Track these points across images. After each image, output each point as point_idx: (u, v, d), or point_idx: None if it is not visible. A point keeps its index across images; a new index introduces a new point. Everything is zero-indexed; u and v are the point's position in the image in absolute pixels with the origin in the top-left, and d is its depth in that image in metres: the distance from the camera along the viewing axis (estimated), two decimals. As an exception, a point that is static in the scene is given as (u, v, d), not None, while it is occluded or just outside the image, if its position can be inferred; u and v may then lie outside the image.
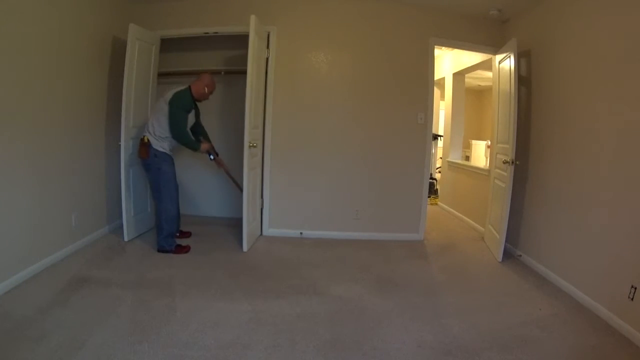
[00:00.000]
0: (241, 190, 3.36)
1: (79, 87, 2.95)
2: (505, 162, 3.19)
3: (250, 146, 3.18)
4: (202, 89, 3.01)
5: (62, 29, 2.71)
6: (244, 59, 4.10)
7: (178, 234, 3.33)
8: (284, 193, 3.68)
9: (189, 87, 2.98)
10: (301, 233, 3.70)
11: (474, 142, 6.16)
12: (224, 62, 4.01)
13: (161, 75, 3.72)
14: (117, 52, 3.42)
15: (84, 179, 3.09)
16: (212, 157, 3.33)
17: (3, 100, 2.21)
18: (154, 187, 3.09)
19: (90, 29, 3.04)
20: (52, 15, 2.59)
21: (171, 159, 3.07)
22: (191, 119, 3.07)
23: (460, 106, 5.28)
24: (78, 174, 3.01)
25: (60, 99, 2.73)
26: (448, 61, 5.32)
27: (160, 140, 2.95)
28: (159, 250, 3.05)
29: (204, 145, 3.13)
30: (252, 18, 3.00)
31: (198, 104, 3.14)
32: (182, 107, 2.89)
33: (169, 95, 2.90)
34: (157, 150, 2.95)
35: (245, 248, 3.21)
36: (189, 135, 3.00)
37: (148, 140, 2.93)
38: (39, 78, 2.51)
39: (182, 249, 3.08)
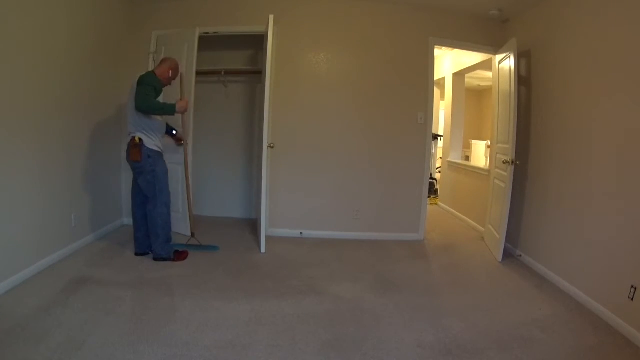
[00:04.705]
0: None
1: (78, 88, 2.94)
2: (505, 162, 3.19)
3: (268, 146, 3.12)
4: (167, 73, 2.80)
5: (62, 28, 2.71)
6: (243, 59, 4.15)
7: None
8: (283, 193, 3.68)
9: (152, 71, 2.79)
10: (301, 233, 3.70)
11: (474, 142, 6.16)
12: (223, 62, 4.01)
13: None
14: (117, 52, 3.43)
15: (84, 179, 3.08)
16: (175, 131, 3.11)
17: (3, 101, 2.21)
18: (149, 192, 2.80)
19: (92, 28, 3.04)
20: (52, 15, 2.59)
21: (163, 157, 2.86)
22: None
23: (460, 106, 5.28)
24: (78, 173, 3.01)
25: (59, 99, 2.73)
26: (448, 61, 5.32)
27: (152, 136, 2.74)
28: (155, 259, 2.84)
29: (180, 103, 2.80)
30: (270, 18, 2.99)
31: None
32: (150, 83, 2.63)
33: (134, 80, 2.69)
34: (150, 150, 2.72)
35: (263, 249, 3.19)
36: (159, 102, 2.69)
37: (140, 140, 2.68)
38: (38, 78, 2.51)
39: (181, 256, 2.92)
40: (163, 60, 2.88)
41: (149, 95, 2.58)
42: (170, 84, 2.87)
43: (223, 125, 4.17)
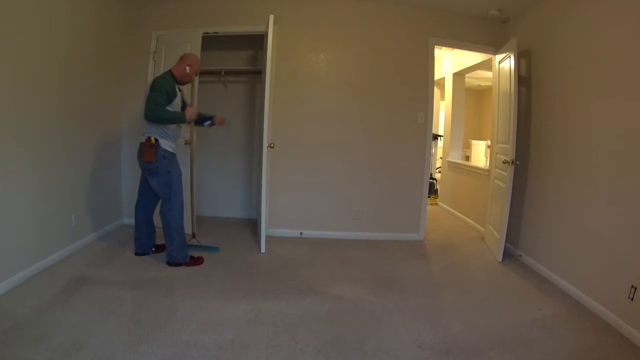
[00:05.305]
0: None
1: (78, 88, 2.94)
2: (505, 162, 3.19)
3: (268, 146, 3.11)
4: (184, 69, 2.71)
5: (62, 28, 2.71)
6: (243, 59, 4.15)
7: (154, 249, 3.00)
8: (284, 193, 3.68)
9: (170, 70, 2.72)
10: (301, 233, 3.70)
11: (474, 142, 6.16)
12: (223, 62, 4.01)
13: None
14: (117, 52, 3.43)
15: (84, 179, 3.09)
16: (207, 123, 3.02)
17: (3, 101, 2.21)
18: (163, 193, 2.72)
19: (92, 28, 3.04)
20: (52, 16, 2.59)
21: (176, 159, 2.78)
22: (177, 106, 2.74)
23: (460, 106, 5.29)
24: (78, 173, 3.00)
25: (60, 99, 2.72)
26: (448, 61, 5.32)
27: (167, 137, 2.67)
28: (169, 264, 2.76)
29: (190, 111, 2.73)
30: (270, 18, 2.99)
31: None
32: (162, 89, 2.55)
33: (149, 81, 2.62)
34: (166, 151, 2.65)
35: (263, 249, 3.19)
36: (168, 111, 2.59)
37: (156, 140, 2.61)
38: (38, 79, 2.51)
39: (197, 261, 2.84)
40: (181, 57, 2.79)
41: (157, 105, 2.51)
42: (190, 81, 2.80)
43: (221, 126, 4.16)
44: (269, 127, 3.11)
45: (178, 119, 2.66)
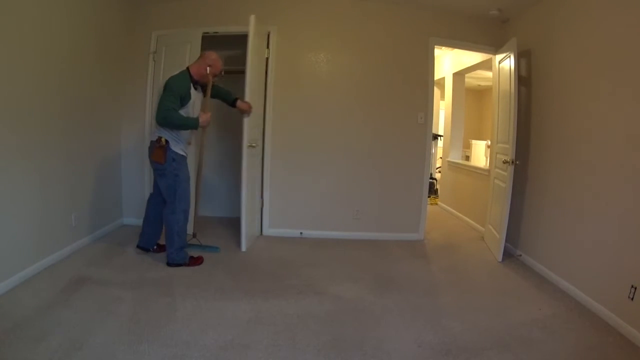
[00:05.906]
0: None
1: (78, 87, 2.94)
2: (505, 162, 3.19)
3: (249, 146, 3.12)
4: (204, 69, 2.63)
5: (63, 28, 2.70)
6: (243, 58, 4.14)
7: (155, 247, 2.98)
8: (284, 193, 3.68)
9: (187, 68, 2.64)
10: (301, 233, 3.70)
11: (474, 142, 6.16)
12: (224, 62, 4.00)
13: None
14: (117, 52, 3.43)
15: (84, 179, 3.09)
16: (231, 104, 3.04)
17: (3, 101, 2.21)
18: (168, 195, 2.69)
19: (92, 28, 3.04)
20: (52, 16, 2.59)
21: (186, 162, 2.75)
22: (195, 106, 2.69)
23: (460, 106, 5.29)
24: (78, 173, 3.00)
25: (60, 99, 2.72)
26: (448, 61, 5.32)
27: (178, 140, 2.62)
28: (169, 264, 2.74)
29: (203, 117, 2.68)
30: (252, 18, 2.98)
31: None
32: (175, 91, 2.48)
33: (164, 80, 2.55)
34: (175, 154, 2.60)
35: (244, 248, 3.19)
36: (181, 116, 2.54)
37: (166, 141, 2.56)
38: (38, 78, 2.50)
39: (197, 261, 2.83)
40: (201, 55, 2.72)
41: (170, 110, 2.45)
42: (211, 80, 2.71)
43: (222, 125, 4.17)
44: (249, 128, 3.14)
45: (191, 124, 2.60)
